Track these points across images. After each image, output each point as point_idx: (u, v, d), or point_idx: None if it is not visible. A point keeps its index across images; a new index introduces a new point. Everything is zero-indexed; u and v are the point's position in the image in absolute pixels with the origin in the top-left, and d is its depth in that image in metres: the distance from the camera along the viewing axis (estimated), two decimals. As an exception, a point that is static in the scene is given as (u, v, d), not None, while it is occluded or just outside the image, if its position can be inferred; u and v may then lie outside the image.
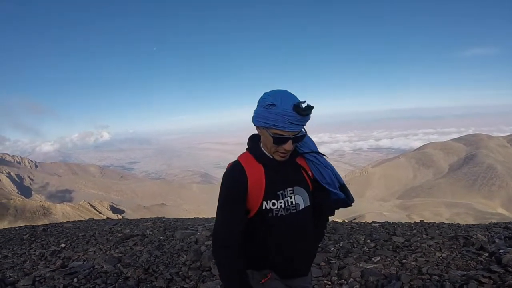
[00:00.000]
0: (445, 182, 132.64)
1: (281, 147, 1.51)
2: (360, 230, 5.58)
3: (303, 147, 1.68)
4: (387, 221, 6.86)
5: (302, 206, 1.63)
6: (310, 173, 1.68)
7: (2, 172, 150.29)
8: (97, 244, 5.41)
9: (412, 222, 6.61)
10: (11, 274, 4.10)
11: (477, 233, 4.83)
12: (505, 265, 3.22)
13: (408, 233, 5.02)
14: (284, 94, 1.50)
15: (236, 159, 1.66)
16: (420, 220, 6.87)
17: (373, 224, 6.43)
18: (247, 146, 1.69)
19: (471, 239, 4.34)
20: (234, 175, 1.57)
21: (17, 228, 7.94)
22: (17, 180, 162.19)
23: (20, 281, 3.75)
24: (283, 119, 1.45)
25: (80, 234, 6.34)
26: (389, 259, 3.69)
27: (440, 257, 3.66)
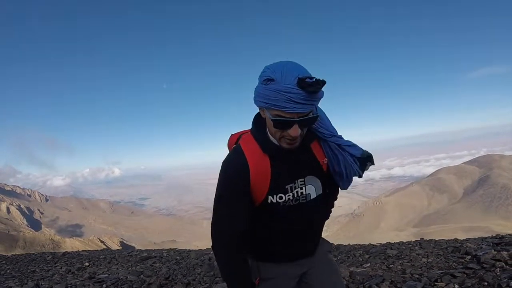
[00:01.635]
0: (460, 206, 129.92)
1: (286, 132, 1.24)
2: (360, 249, 6.00)
3: (320, 128, 1.40)
4: (389, 242, 7.23)
5: (313, 196, 1.44)
6: (324, 160, 1.44)
7: (13, 204, 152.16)
8: (119, 263, 5.93)
9: (412, 240, 6.97)
10: (42, 283, 4.64)
11: (468, 242, 5.24)
12: (482, 263, 3.65)
13: (403, 247, 5.44)
14: (286, 66, 1.20)
15: (237, 142, 1.45)
16: (420, 238, 7.21)
17: (375, 244, 6.81)
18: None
19: (460, 247, 4.76)
20: (234, 168, 1.35)
21: (36, 253, 8.49)
22: (27, 213, 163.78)
23: (53, 287, 4.29)
24: (284, 97, 1.16)
25: (101, 257, 6.86)
26: (377, 265, 4.15)
27: (425, 262, 4.10)
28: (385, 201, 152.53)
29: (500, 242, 4.93)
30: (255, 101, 1.29)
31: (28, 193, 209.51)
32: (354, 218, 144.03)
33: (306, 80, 1.14)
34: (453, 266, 3.83)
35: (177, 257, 6.13)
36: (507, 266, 3.47)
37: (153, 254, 6.79)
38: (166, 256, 6.43)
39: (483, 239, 5.81)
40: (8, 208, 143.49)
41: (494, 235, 6.60)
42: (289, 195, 1.39)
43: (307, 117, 1.22)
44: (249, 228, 1.42)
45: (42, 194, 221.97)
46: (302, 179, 1.40)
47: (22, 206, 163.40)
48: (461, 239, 6.60)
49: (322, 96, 1.23)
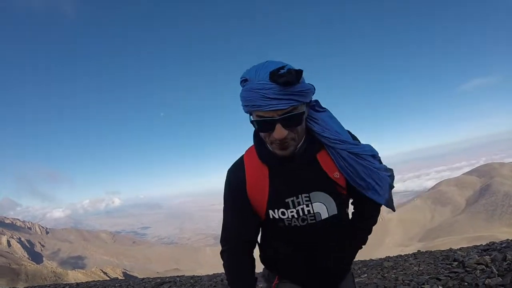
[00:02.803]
0: (464, 217, 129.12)
1: (272, 136, 1.12)
2: (360, 263, 6.43)
3: (324, 132, 1.23)
4: (388, 256, 7.64)
5: (325, 216, 1.27)
6: (337, 173, 1.25)
7: (13, 238, 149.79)
8: (136, 290, 6.33)
9: (410, 253, 7.39)
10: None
11: (459, 251, 5.70)
12: (466, 267, 4.13)
13: (399, 259, 5.90)
14: (263, 64, 1.11)
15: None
16: (418, 250, 7.63)
17: (374, 259, 7.24)
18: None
19: (450, 256, 5.23)
20: (231, 177, 1.31)
21: (49, 285, 8.74)
22: (28, 246, 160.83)
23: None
24: (258, 95, 1.06)
25: (116, 285, 7.24)
26: (374, 275, 4.62)
27: (417, 270, 4.58)
28: (388, 217, 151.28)
29: (488, 248, 5.42)
30: (243, 108, 1.19)
31: (29, 226, 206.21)
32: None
33: (276, 72, 1.04)
34: (441, 272, 4.31)
35: (191, 280, 6.53)
36: (487, 268, 3.95)
37: (167, 279, 7.18)
38: (179, 280, 6.82)
39: (475, 247, 6.27)
40: (8, 241, 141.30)
41: (487, 243, 7.05)
42: (292, 212, 1.25)
43: (290, 114, 1.09)
44: (256, 238, 1.36)
45: (42, 227, 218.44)
46: (307, 195, 1.24)
47: (22, 239, 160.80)
48: (455, 248, 7.05)
49: (307, 89, 1.11)
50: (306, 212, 1.25)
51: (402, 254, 7.39)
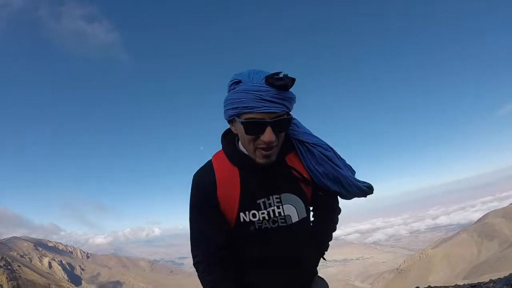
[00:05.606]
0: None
1: (259, 139, 1.12)
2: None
3: (301, 135, 1.28)
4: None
5: (295, 219, 1.27)
6: (306, 175, 1.27)
7: (54, 260, 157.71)
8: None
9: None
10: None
11: None
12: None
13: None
14: (254, 70, 1.13)
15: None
16: (428, 286, 7.65)
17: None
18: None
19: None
20: (201, 179, 1.27)
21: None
22: (68, 268, 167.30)
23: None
24: (253, 96, 1.07)
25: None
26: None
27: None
28: (432, 253, 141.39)
29: (476, 285, 5.59)
30: (225, 114, 1.19)
31: (70, 250, 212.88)
32: (400, 273, 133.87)
33: (273, 76, 1.08)
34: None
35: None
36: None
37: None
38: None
39: (475, 284, 5.96)
40: (50, 263, 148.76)
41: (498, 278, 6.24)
42: (263, 213, 1.25)
43: (281, 118, 1.12)
44: (228, 243, 1.28)
45: (83, 251, 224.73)
46: (278, 196, 1.25)
47: (63, 261, 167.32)
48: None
49: (294, 98, 1.15)
50: (277, 214, 1.25)
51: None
